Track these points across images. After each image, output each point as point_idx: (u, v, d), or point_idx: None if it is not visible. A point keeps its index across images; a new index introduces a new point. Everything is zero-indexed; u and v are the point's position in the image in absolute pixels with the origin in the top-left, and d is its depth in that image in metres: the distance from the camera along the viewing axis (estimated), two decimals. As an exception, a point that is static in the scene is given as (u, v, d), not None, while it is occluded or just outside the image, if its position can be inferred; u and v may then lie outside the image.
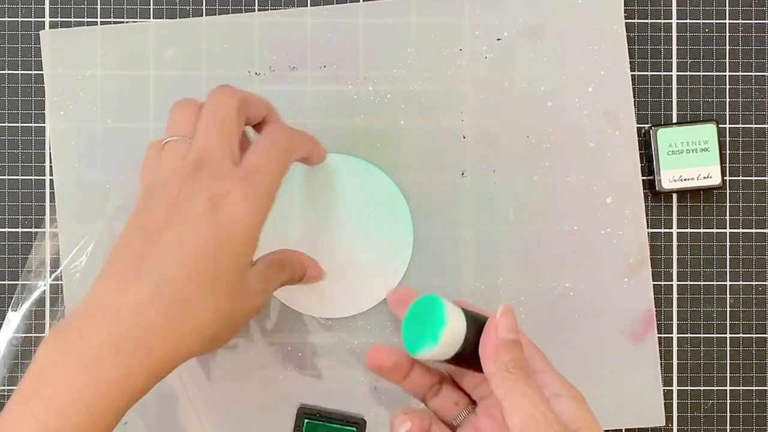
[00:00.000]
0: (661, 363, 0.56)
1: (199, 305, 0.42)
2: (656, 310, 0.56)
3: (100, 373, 0.39)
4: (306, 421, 0.53)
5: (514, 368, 0.42)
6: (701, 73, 0.57)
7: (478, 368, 0.44)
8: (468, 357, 0.44)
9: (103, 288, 0.42)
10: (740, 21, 0.57)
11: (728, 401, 0.56)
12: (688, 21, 0.57)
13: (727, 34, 0.57)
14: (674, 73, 0.57)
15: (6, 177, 0.56)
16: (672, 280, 0.57)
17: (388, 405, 0.55)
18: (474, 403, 0.48)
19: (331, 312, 0.55)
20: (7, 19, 0.56)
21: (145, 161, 0.47)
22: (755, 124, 0.57)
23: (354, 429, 0.54)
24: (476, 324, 0.44)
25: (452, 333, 0.43)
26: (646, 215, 0.56)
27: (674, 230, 0.57)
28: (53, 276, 0.56)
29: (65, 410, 0.39)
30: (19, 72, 0.56)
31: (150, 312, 0.41)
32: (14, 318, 0.56)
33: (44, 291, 0.56)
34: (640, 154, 0.56)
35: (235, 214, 0.43)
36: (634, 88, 0.56)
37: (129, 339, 0.40)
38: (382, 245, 0.55)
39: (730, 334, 0.57)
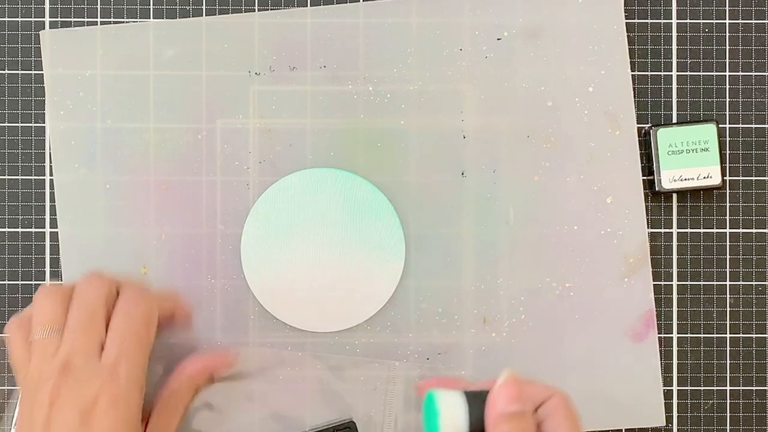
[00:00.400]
0: (661, 363, 0.56)
1: None
2: (656, 310, 0.56)
3: None
4: None
5: None
6: (701, 73, 0.57)
7: None
8: None
9: None
10: (740, 21, 0.57)
11: (728, 401, 0.56)
12: (688, 21, 0.57)
13: (727, 34, 0.57)
14: (674, 73, 0.57)
15: (6, 177, 0.56)
16: (672, 280, 0.57)
17: (389, 404, 0.55)
18: None
19: (331, 325, 0.55)
20: (7, 19, 0.56)
21: (12, 354, 0.47)
22: (755, 124, 0.57)
23: (348, 431, 0.54)
24: (482, 401, 0.45)
25: (450, 420, 0.44)
26: (646, 215, 0.56)
27: (674, 230, 0.57)
28: (53, 276, 0.56)
29: None
30: (19, 72, 0.56)
31: None
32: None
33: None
34: (640, 154, 0.56)
35: (106, 425, 0.43)
36: (634, 88, 0.56)
37: None
38: (375, 253, 0.55)
39: (730, 334, 0.57)
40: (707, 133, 0.55)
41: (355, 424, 0.54)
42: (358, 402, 0.55)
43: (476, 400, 0.45)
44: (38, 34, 0.56)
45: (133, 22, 0.56)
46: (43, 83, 0.56)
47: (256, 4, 0.56)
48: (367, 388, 0.55)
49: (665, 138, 0.55)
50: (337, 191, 0.55)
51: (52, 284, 0.47)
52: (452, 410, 0.44)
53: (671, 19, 0.57)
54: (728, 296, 0.57)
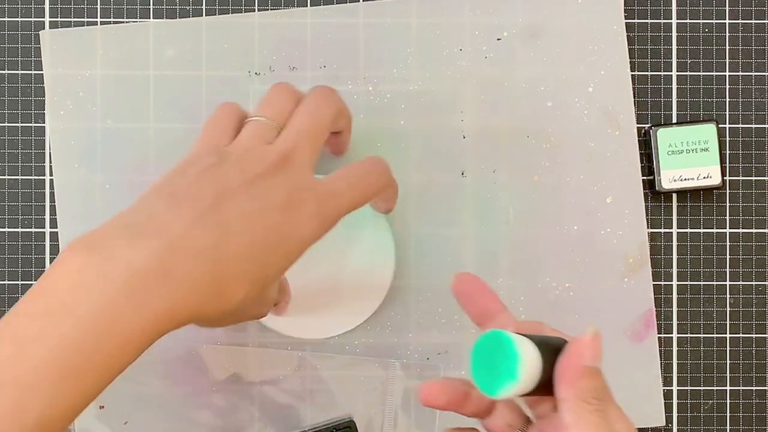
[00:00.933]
0: (661, 363, 0.56)
1: (241, 281, 0.41)
2: (656, 310, 0.56)
3: (147, 301, 0.38)
4: None
5: (593, 399, 0.40)
6: (701, 73, 0.57)
7: (549, 392, 0.41)
8: (543, 385, 0.41)
9: (150, 208, 0.41)
10: (740, 21, 0.57)
11: (728, 401, 0.56)
12: (688, 21, 0.57)
13: (727, 34, 0.57)
14: (674, 73, 0.57)
15: (6, 177, 0.56)
16: (672, 280, 0.57)
17: (388, 404, 0.55)
18: (528, 422, 0.46)
19: (321, 333, 0.55)
20: (7, 19, 0.56)
21: (212, 118, 0.47)
22: (755, 124, 0.57)
23: (348, 430, 0.54)
24: (548, 348, 0.41)
25: (530, 366, 0.40)
26: (646, 215, 0.56)
27: (674, 230, 0.57)
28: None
29: (97, 330, 0.37)
30: (19, 72, 0.56)
31: (207, 254, 0.40)
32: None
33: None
34: (640, 154, 0.56)
35: (300, 224, 0.43)
36: (634, 88, 0.56)
37: (181, 267, 0.39)
38: (365, 257, 0.55)
39: (730, 334, 0.57)
40: (707, 133, 0.55)
41: (354, 423, 0.54)
42: (358, 402, 0.55)
43: (546, 348, 0.41)
44: (38, 34, 0.56)
45: (133, 22, 0.56)
46: (43, 83, 0.56)
47: (256, 4, 0.56)
48: (367, 387, 0.55)
49: (665, 138, 0.55)
50: None
51: (286, 84, 0.47)
52: (532, 354, 0.40)
53: (671, 19, 0.57)
54: (728, 296, 0.57)
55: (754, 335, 0.57)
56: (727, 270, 0.57)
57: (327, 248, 0.54)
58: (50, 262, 0.56)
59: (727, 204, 0.57)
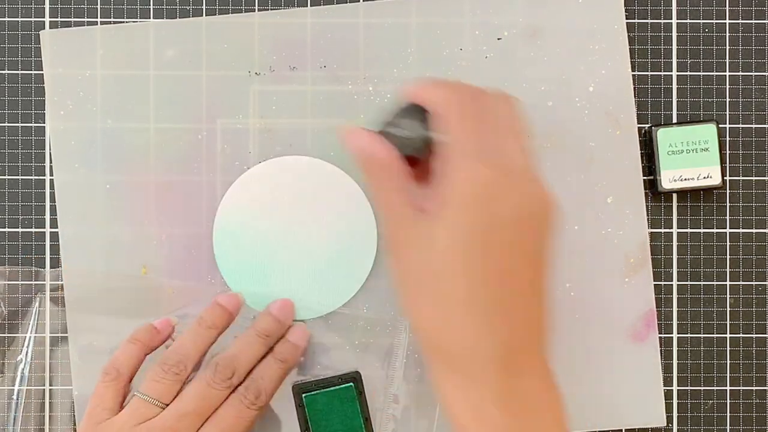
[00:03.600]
0: (661, 363, 0.56)
1: None
2: (656, 310, 0.56)
3: None
4: (304, 395, 0.53)
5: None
6: (701, 73, 0.57)
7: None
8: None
9: None
10: (740, 21, 0.57)
11: (728, 401, 0.57)
12: (688, 21, 0.57)
13: (727, 34, 0.57)
14: (674, 73, 0.57)
15: (6, 177, 0.56)
16: (672, 280, 0.57)
17: (394, 358, 0.55)
18: None
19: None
20: (7, 19, 0.56)
21: (97, 389, 0.51)
22: (755, 124, 0.57)
23: (351, 384, 0.53)
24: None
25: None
26: (647, 215, 0.56)
27: (674, 230, 0.57)
28: (53, 276, 0.56)
29: None
30: (19, 72, 0.56)
31: None
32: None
33: (43, 292, 0.56)
34: (641, 154, 0.56)
35: None
36: (634, 88, 0.56)
37: None
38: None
39: (730, 334, 0.57)
40: (707, 133, 0.55)
41: (360, 374, 0.54)
42: (364, 356, 0.55)
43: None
44: (38, 34, 0.56)
45: (133, 22, 0.56)
46: (43, 83, 0.56)
47: (256, 4, 0.56)
48: (373, 342, 0.55)
49: (665, 138, 0.55)
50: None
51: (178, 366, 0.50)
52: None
53: (671, 19, 0.57)
54: (728, 296, 0.57)
55: (754, 335, 0.57)
56: (727, 270, 0.57)
57: (307, 228, 0.54)
58: (50, 262, 0.56)
59: (727, 204, 0.57)
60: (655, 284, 0.56)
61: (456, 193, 0.41)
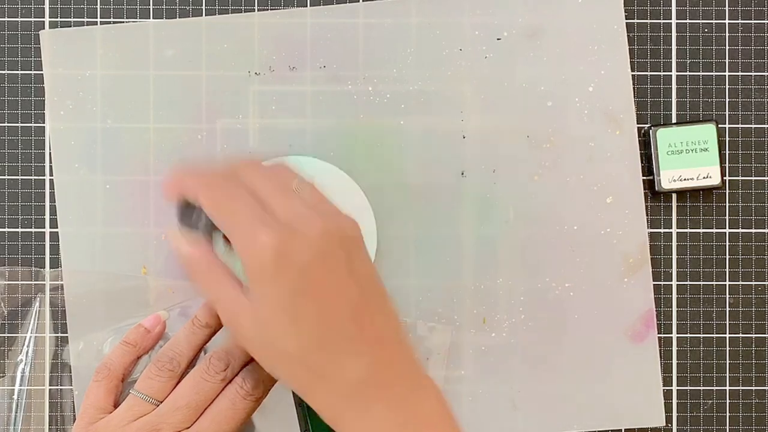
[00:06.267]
0: (661, 363, 0.56)
1: None
2: (656, 310, 0.56)
3: None
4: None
5: None
6: (701, 73, 0.57)
7: None
8: None
9: None
10: (740, 21, 0.57)
11: (728, 401, 0.57)
12: (688, 21, 0.57)
13: (727, 34, 0.57)
14: (674, 73, 0.57)
15: (6, 177, 0.56)
16: (672, 280, 0.57)
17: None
18: None
19: None
20: (7, 19, 0.56)
21: (91, 386, 0.50)
22: (755, 124, 0.57)
23: None
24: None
25: None
26: (646, 215, 0.56)
27: (674, 230, 0.57)
28: (53, 276, 0.56)
29: None
30: (19, 72, 0.56)
31: None
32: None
33: (43, 292, 0.56)
34: (640, 154, 0.56)
35: None
36: (633, 88, 0.56)
37: None
38: None
39: (730, 334, 0.57)
40: (707, 133, 0.55)
41: None
42: None
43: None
44: (38, 34, 0.56)
45: (133, 22, 0.56)
46: (43, 83, 0.56)
47: (256, 4, 0.56)
48: None
49: (665, 138, 0.55)
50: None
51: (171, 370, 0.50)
52: None
53: (671, 19, 0.57)
54: (728, 296, 0.57)
55: (754, 335, 0.57)
56: (727, 270, 0.57)
57: None
58: (50, 262, 0.56)
59: (727, 204, 0.57)
60: (654, 284, 0.56)
61: (249, 269, 0.43)
